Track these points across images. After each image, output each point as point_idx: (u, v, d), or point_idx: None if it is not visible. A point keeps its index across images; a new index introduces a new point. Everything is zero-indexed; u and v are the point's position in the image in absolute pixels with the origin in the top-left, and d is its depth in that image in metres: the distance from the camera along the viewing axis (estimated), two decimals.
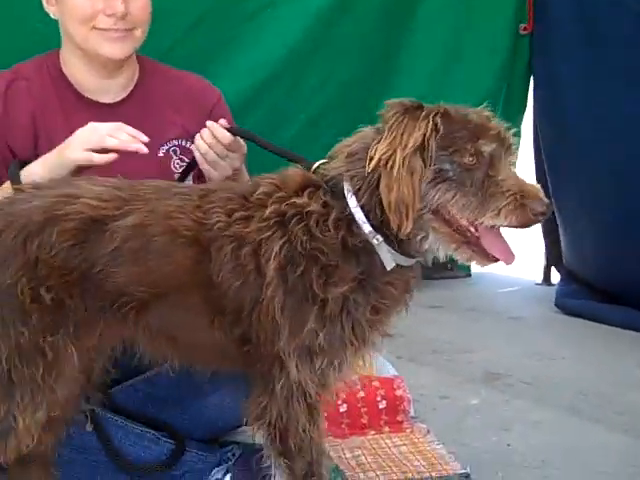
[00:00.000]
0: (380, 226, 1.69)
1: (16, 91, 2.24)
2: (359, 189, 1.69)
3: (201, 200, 1.76)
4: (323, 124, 3.99)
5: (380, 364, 3.10)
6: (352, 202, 1.70)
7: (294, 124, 3.94)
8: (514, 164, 1.73)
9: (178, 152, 2.36)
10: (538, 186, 1.70)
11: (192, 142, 2.27)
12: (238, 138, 2.15)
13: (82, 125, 2.22)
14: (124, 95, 2.35)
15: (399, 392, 2.78)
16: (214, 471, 2.21)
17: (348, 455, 2.52)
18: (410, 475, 2.40)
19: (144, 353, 1.89)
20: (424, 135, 1.63)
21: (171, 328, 1.81)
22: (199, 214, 1.73)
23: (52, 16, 2.28)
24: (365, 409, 2.73)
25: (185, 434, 2.23)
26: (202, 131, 2.16)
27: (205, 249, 1.71)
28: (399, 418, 2.75)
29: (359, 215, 1.69)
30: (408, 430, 2.70)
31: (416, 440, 2.63)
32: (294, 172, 1.80)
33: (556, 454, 2.57)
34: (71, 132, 2.20)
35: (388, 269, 1.72)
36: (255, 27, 3.81)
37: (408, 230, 1.64)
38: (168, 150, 2.35)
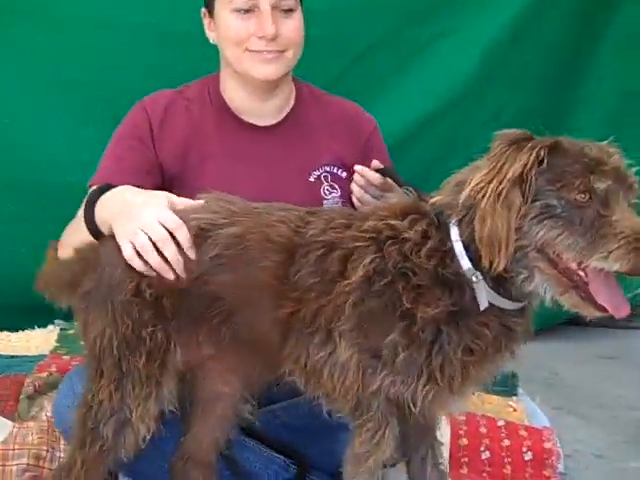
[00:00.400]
0: (479, 262, 1.61)
1: (175, 110, 2.34)
2: (461, 220, 1.62)
3: (307, 214, 1.80)
4: None
5: (531, 412, 2.97)
6: (454, 233, 1.64)
7: (460, 157, 3.82)
8: (634, 205, 1.59)
9: (329, 178, 2.37)
10: None
11: (344, 169, 2.33)
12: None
13: (237, 147, 2.33)
14: (280, 118, 2.39)
15: (548, 445, 2.63)
16: None
17: None
18: None
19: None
20: (524, 166, 1.54)
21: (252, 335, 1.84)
22: (299, 224, 1.76)
23: (211, 41, 2.36)
24: (509, 459, 2.60)
25: (313, 465, 2.23)
26: (355, 176, 2.22)
27: (291, 254, 1.74)
28: (546, 473, 2.59)
29: (459, 248, 1.62)
30: None
31: None
32: (404, 199, 1.77)
33: None
34: (224, 152, 2.31)
35: (481, 309, 1.63)
36: (427, 56, 3.71)
37: (501, 267, 1.56)
38: (319, 176, 2.37)
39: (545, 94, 3.87)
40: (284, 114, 2.40)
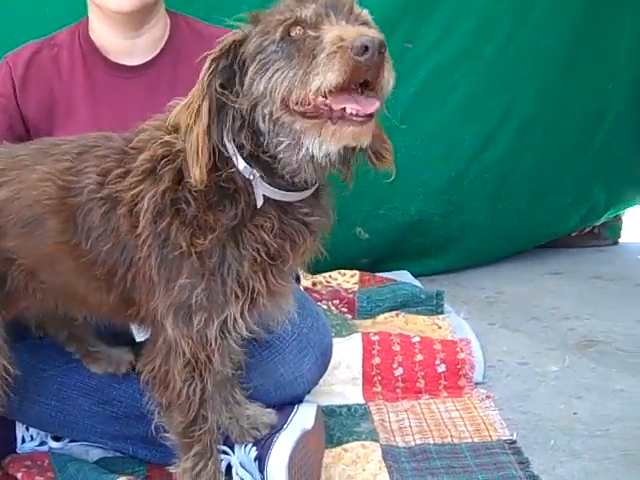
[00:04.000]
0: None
1: (40, 61, 2.28)
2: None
3: (77, 156, 1.71)
4: (444, 85, 3.52)
5: (456, 327, 2.96)
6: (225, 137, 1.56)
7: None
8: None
9: None
10: (366, 29, 1.40)
11: None
12: None
13: (105, 89, 2.27)
14: (152, 56, 2.30)
15: (461, 355, 2.61)
16: None
17: (393, 419, 2.40)
18: (448, 440, 2.25)
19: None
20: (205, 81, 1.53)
21: (62, 289, 1.81)
22: (68, 177, 1.69)
23: None
24: (422, 373, 2.59)
25: None
26: None
27: (70, 218, 1.68)
28: (460, 383, 2.58)
29: (232, 148, 1.55)
30: (467, 395, 2.53)
31: (471, 405, 2.46)
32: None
33: (625, 424, 2.30)
34: (93, 98, 2.26)
35: (258, 206, 1.57)
36: None
37: (201, 178, 1.51)
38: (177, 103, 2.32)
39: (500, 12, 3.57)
40: (158, 51, 2.31)
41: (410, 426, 2.35)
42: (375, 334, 2.70)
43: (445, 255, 3.88)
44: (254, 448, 1.98)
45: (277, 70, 1.44)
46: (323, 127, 1.44)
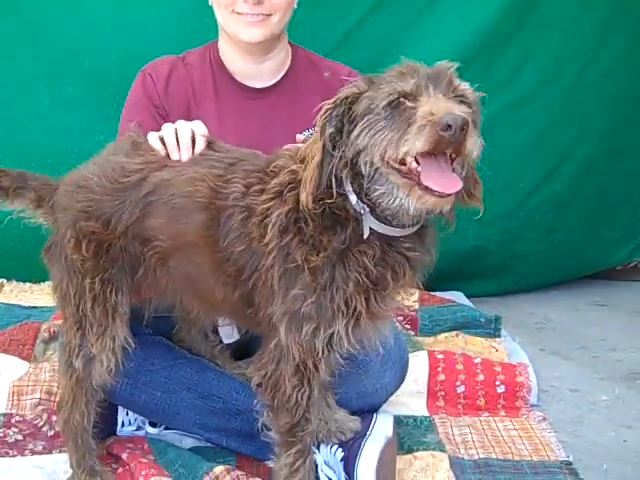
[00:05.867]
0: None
1: (178, 76, 2.53)
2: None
3: (229, 167, 1.96)
4: (513, 120, 3.72)
5: (512, 351, 3.15)
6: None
7: None
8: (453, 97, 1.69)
9: None
10: (463, 107, 1.64)
11: None
12: None
13: (232, 107, 2.50)
14: (274, 81, 2.57)
15: (520, 379, 2.81)
16: None
17: (456, 432, 2.61)
18: (510, 456, 2.45)
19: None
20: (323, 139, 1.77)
21: (189, 279, 2.03)
22: (219, 182, 1.93)
23: (210, 3, 2.52)
24: (483, 392, 2.79)
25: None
26: None
27: (216, 216, 1.91)
28: (517, 404, 2.78)
29: (348, 185, 1.78)
30: (524, 416, 2.73)
31: (528, 426, 2.66)
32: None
33: None
34: (220, 114, 2.47)
35: (365, 237, 1.79)
36: (439, 12, 3.55)
37: (307, 201, 1.75)
38: (308, 137, 2.53)
39: (571, 50, 3.72)
40: (279, 77, 2.57)
41: (473, 440, 2.55)
42: (440, 352, 2.92)
43: (497, 279, 4.07)
44: (340, 449, 2.19)
45: (379, 130, 1.69)
46: (412, 189, 1.68)
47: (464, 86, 1.74)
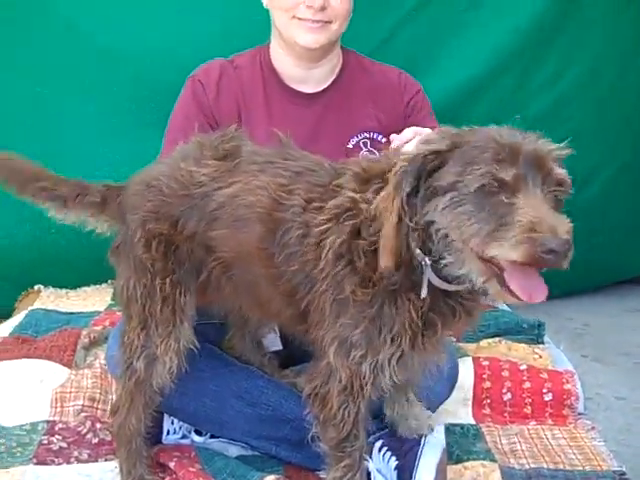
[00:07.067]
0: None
1: (228, 80, 2.52)
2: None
3: (290, 179, 1.91)
4: (553, 122, 3.58)
5: (555, 358, 3.10)
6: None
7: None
8: (555, 192, 1.59)
9: (368, 144, 2.51)
10: (566, 221, 1.53)
11: (385, 136, 2.42)
12: None
13: (281, 111, 2.48)
14: (325, 86, 2.55)
15: (567, 386, 2.77)
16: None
17: (504, 441, 2.56)
18: (561, 466, 2.41)
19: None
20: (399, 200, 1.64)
21: (249, 288, 2.01)
22: (281, 192, 1.88)
23: (264, 5, 2.52)
24: (530, 400, 2.75)
25: None
26: (392, 142, 2.23)
27: (273, 229, 1.88)
28: (564, 412, 2.73)
29: (413, 235, 1.69)
30: (571, 425, 2.68)
31: (577, 435, 2.61)
32: (377, 160, 1.86)
33: None
34: (270, 118, 2.45)
35: (423, 290, 1.73)
36: (483, 12, 3.49)
37: (388, 265, 1.67)
38: (358, 142, 2.52)
39: (614, 52, 3.67)
40: (329, 82, 2.56)
41: (522, 449, 2.51)
42: (485, 359, 2.88)
43: None
44: (394, 458, 2.16)
45: (464, 214, 1.58)
46: (490, 280, 1.60)
47: (562, 175, 1.62)
